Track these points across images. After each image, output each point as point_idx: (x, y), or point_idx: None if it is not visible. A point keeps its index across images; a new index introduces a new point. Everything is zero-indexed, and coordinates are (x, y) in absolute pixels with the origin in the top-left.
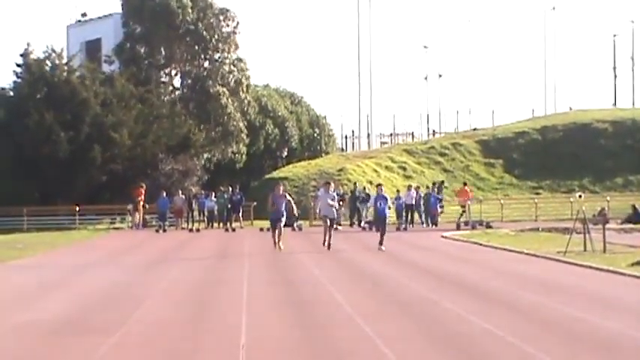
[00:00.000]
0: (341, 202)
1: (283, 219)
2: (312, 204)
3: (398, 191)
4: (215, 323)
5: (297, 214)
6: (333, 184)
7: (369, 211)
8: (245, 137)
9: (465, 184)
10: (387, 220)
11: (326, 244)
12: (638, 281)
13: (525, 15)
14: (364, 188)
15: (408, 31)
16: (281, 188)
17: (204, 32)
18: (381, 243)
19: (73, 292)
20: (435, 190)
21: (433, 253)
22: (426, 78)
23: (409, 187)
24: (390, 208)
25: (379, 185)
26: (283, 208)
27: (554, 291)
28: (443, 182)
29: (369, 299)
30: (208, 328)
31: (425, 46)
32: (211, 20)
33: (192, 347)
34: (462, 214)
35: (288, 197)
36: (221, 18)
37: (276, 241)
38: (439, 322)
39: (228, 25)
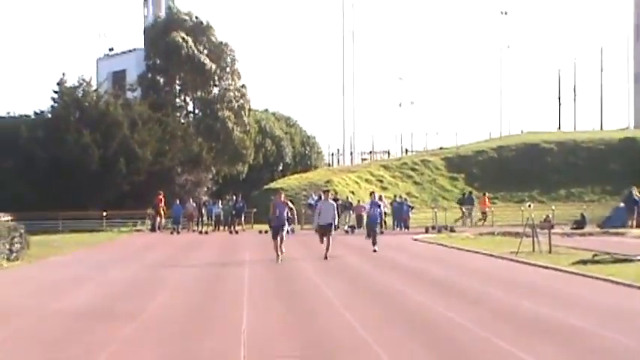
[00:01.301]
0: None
1: (285, 227)
2: (304, 211)
3: (372, 193)
4: (221, 309)
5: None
6: (331, 193)
7: (352, 217)
8: (248, 155)
9: (484, 194)
10: (378, 224)
11: (324, 254)
12: (578, 277)
13: (485, 51)
14: (347, 197)
15: (386, 64)
16: (282, 195)
17: (211, 64)
18: (374, 244)
19: (99, 284)
20: (465, 197)
21: (405, 252)
22: (400, 104)
23: (371, 193)
24: (386, 214)
25: (372, 193)
26: (285, 216)
27: (507, 285)
28: (471, 192)
29: (350, 290)
30: (215, 315)
31: (400, 78)
32: (215, 53)
33: (201, 330)
34: (480, 219)
35: (290, 204)
36: (223, 49)
37: (278, 249)
38: (409, 310)
39: (228, 57)
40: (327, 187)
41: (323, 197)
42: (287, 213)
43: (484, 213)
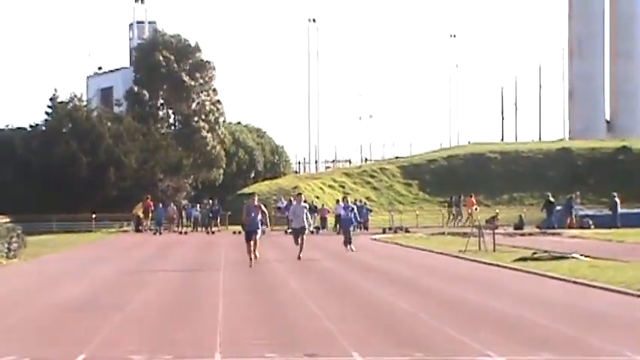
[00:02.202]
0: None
1: (259, 231)
2: (274, 214)
3: (337, 201)
4: (198, 300)
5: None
6: (304, 196)
7: (317, 219)
8: (221, 163)
9: (471, 195)
10: (351, 226)
11: (298, 254)
12: (519, 273)
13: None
14: (312, 201)
15: (347, 81)
16: (256, 199)
17: (190, 81)
18: (350, 243)
19: (90, 279)
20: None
21: (365, 251)
22: (360, 118)
23: (337, 201)
24: (356, 216)
25: (345, 197)
26: (259, 220)
27: (455, 280)
28: (460, 196)
29: (315, 285)
30: (193, 305)
31: (360, 94)
32: (195, 72)
33: (181, 319)
34: (468, 219)
35: (263, 208)
36: (205, 67)
37: (251, 253)
38: (367, 301)
39: (207, 74)
40: (295, 192)
41: (295, 201)
42: (260, 216)
43: (470, 213)
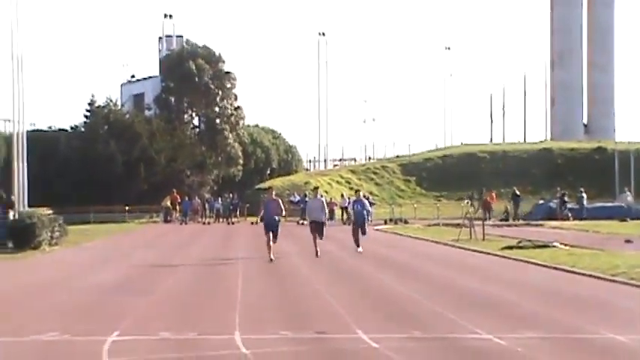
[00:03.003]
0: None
1: (279, 227)
2: (287, 206)
3: (342, 195)
4: (220, 283)
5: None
6: (320, 190)
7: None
8: (241, 161)
9: (490, 190)
10: (365, 221)
11: (315, 250)
12: (505, 260)
13: (432, 78)
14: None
15: (353, 88)
16: (273, 193)
17: (215, 89)
18: (357, 241)
19: (122, 265)
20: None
21: (369, 240)
22: (364, 121)
23: (342, 195)
24: (369, 211)
25: (357, 191)
26: (277, 215)
27: (448, 265)
28: (481, 190)
29: (324, 271)
30: (215, 287)
31: (365, 100)
32: (218, 80)
33: (205, 299)
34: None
35: (280, 202)
36: (227, 77)
37: (270, 246)
38: (370, 285)
39: (228, 83)
40: (307, 187)
41: (312, 195)
42: (277, 211)
43: (490, 207)
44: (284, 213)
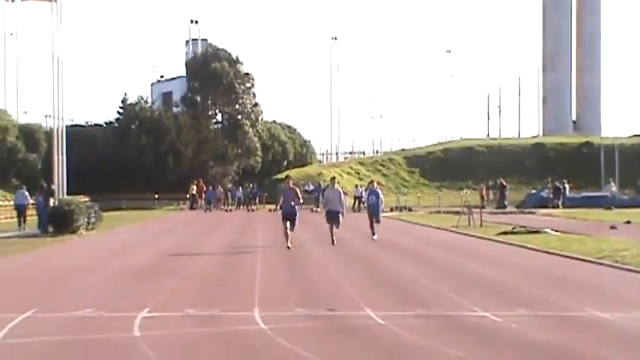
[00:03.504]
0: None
1: (297, 216)
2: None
3: (356, 186)
4: (241, 263)
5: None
6: (336, 181)
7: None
8: (259, 153)
9: (486, 182)
10: (379, 210)
11: (331, 239)
12: (501, 244)
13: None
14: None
15: (363, 87)
16: (291, 182)
17: (236, 88)
18: (372, 229)
19: (152, 247)
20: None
21: (377, 226)
22: (372, 117)
23: (356, 186)
24: (382, 201)
25: (371, 182)
26: (295, 204)
27: (448, 249)
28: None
29: (336, 254)
30: (237, 267)
31: (373, 99)
32: (238, 80)
33: (228, 278)
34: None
35: (297, 191)
36: (245, 78)
37: (287, 235)
38: (378, 267)
39: (248, 82)
40: (321, 178)
41: (330, 185)
42: (296, 199)
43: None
44: (301, 201)
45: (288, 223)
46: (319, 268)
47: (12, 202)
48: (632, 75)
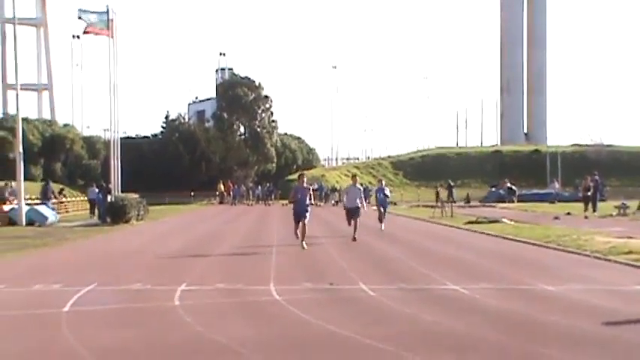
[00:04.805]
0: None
1: (308, 215)
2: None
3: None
4: (260, 248)
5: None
6: (358, 178)
7: (336, 196)
8: (275, 160)
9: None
10: (386, 206)
11: (353, 235)
12: (468, 231)
13: (415, 99)
14: (335, 184)
15: (358, 107)
16: (304, 180)
17: (256, 107)
18: (381, 221)
19: (188, 234)
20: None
21: (366, 217)
22: (365, 130)
23: (360, 184)
24: (388, 197)
25: (380, 180)
26: (307, 202)
27: (425, 235)
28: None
29: (336, 239)
30: (257, 250)
31: (366, 116)
32: (259, 101)
33: (248, 260)
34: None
35: (310, 189)
36: (264, 100)
37: (298, 233)
38: (370, 251)
39: (268, 103)
40: (323, 178)
41: (352, 182)
42: (307, 199)
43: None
44: (313, 201)
45: (300, 223)
46: (321, 249)
47: (79, 198)
48: (572, 96)
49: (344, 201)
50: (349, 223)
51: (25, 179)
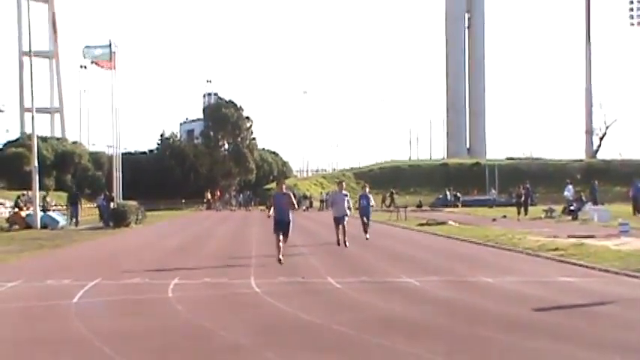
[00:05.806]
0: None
1: (291, 225)
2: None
3: (320, 193)
4: (242, 245)
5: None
6: (344, 184)
7: (307, 203)
8: (254, 172)
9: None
10: (369, 214)
11: (340, 242)
12: (419, 232)
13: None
14: (305, 191)
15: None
16: (284, 186)
17: (239, 126)
18: (365, 232)
19: (180, 235)
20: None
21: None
22: (331, 145)
23: (320, 193)
24: (373, 205)
25: (364, 187)
26: (288, 211)
27: (383, 236)
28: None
29: (308, 241)
30: (239, 246)
31: (332, 132)
32: (240, 121)
33: (234, 256)
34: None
35: (291, 195)
36: (245, 120)
37: (279, 247)
38: (335, 249)
39: (248, 123)
40: (296, 187)
41: (338, 188)
42: (290, 205)
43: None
44: (296, 207)
45: (280, 235)
46: (295, 249)
47: (87, 205)
48: (507, 116)
49: (332, 209)
50: (337, 232)
51: (40, 189)
